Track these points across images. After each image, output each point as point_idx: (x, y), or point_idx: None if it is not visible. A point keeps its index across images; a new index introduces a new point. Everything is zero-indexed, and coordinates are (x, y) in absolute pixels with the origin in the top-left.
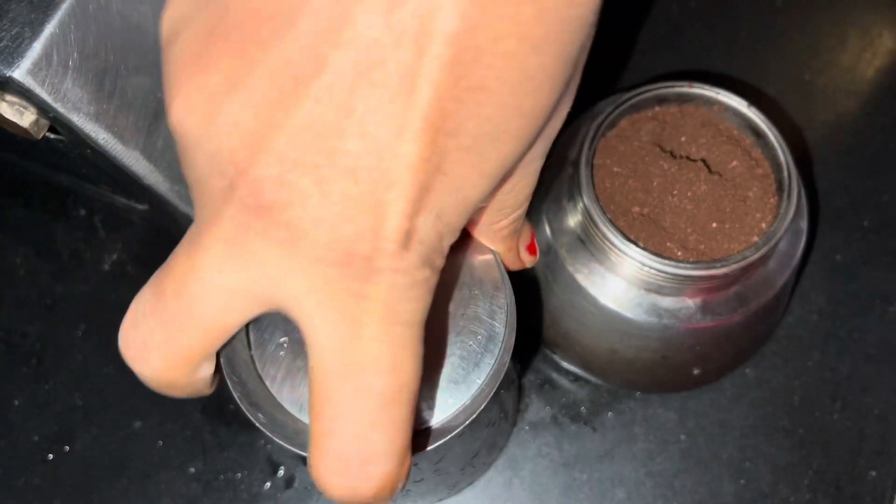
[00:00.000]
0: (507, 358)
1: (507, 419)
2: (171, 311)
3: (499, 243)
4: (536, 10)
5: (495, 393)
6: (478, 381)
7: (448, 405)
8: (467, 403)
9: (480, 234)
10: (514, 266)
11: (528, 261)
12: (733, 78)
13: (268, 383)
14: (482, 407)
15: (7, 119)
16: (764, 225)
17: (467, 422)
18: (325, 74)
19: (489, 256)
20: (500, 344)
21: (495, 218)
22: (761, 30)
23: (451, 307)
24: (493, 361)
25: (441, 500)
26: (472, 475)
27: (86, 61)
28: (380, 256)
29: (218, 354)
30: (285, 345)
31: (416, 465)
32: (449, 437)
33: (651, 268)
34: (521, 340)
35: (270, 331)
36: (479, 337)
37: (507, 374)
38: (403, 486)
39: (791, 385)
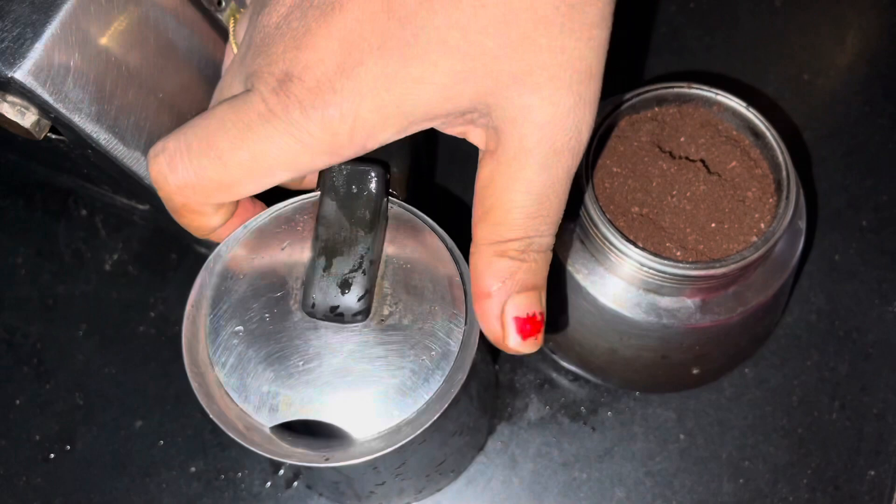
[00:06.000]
0: (462, 377)
1: (477, 430)
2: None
3: (486, 275)
4: None
5: (459, 404)
6: (425, 396)
7: (393, 416)
8: (410, 418)
9: (475, 253)
10: (489, 327)
11: (512, 337)
12: (732, 78)
13: (217, 369)
14: (428, 424)
15: (9, 119)
16: (763, 225)
17: (409, 438)
18: None
19: (454, 272)
20: (451, 362)
21: (496, 230)
22: (760, 30)
23: (408, 320)
24: (442, 379)
25: (407, 503)
26: (439, 482)
27: (87, 62)
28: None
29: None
30: (240, 333)
31: (375, 468)
32: (387, 451)
33: (650, 268)
34: None
35: (227, 318)
36: (433, 353)
37: (482, 380)
38: None
39: (790, 385)
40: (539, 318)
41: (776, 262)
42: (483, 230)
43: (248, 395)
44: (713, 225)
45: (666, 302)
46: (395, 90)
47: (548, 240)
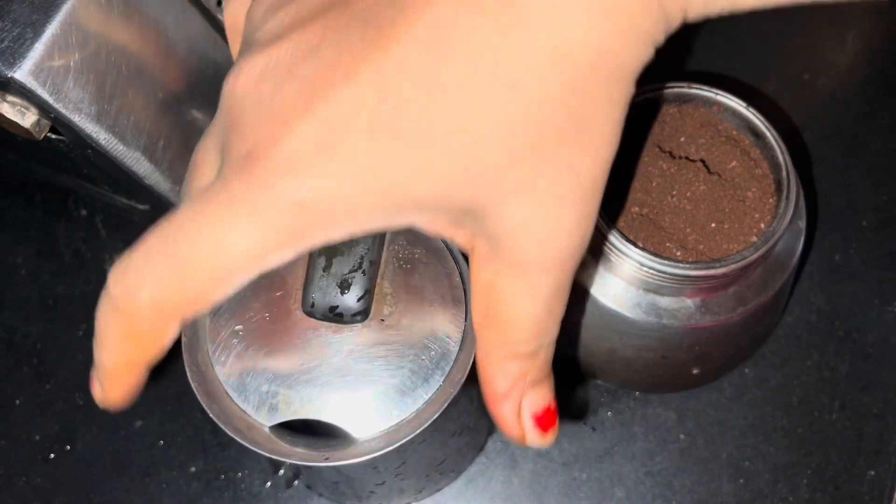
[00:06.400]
0: (461, 377)
1: (477, 430)
2: (183, 254)
3: (499, 379)
4: None
5: (458, 404)
6: (424, 396)
7: (392, 416)
8: (409, 418)
9: (483, 357)
10: (509, 429)
11: (531, 434)
12: (732, 78)
13: (216, 369)
14: (427, 424)
15: (9, 119)
16: (763, 225)
17: (408, 437)
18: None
19: (454, 272)
20: (451, 363)
21: (504, 337)
22: (761, 30)
23: (408, 320)
24: (442, 379)
25: (407, 503)
26: (439, 482)
27: (87, 62)
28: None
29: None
30: (240, 333)
31: (374, 468)
32: (387, 450)
33: (650, 268)
34: None
35: (227, 318)
36: (433, 353)
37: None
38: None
39: (790, 385)
40: (553, 407)
41: (776, 262)
42: (490, 336)
43: (247, 394)
44: (713, 225)
45: (666, 302)
46: (385, 177)
47: (555, 335)
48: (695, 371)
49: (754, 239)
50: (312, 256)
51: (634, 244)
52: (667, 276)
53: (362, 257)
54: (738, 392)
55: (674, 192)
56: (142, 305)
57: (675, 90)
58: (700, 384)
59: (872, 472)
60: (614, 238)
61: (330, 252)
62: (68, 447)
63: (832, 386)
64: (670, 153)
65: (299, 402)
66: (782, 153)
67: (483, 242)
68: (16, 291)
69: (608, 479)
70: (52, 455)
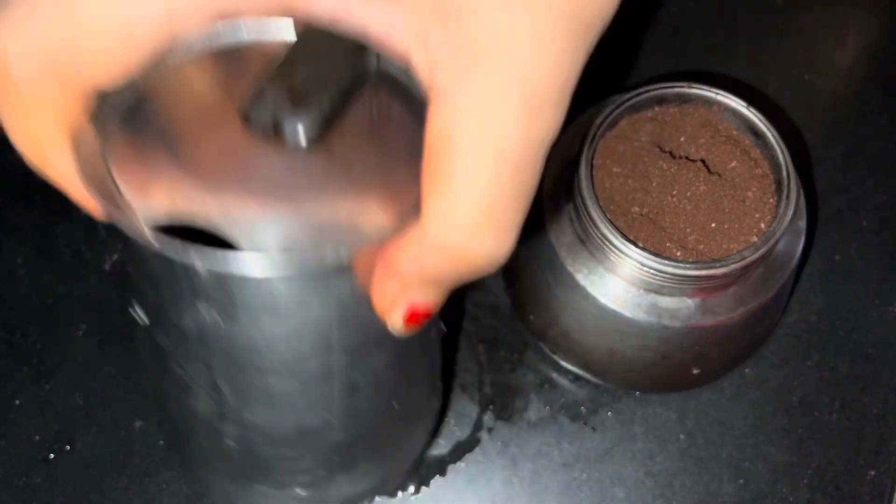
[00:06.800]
0: (397, 232)
1: (419, 418)
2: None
3: (406, 261)
4: None
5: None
6: (351, 242)
7: (299, 250)
8: (321, 258)
9: (417, 243)
10: (377, 304)
11: (393, 320)
12: (733, 78)
13: (108, 141)
14: (336, 263)
15: None
16: (763, 225)
17: (312, 270)
18: None
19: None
20: (391, 217)
21: (444, 206)
22: (761, 30)
23: (361, 164)
24: (374, 232)
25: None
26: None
27: None
28: None
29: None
30: (157, 122)
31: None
32: (280, 276)
33: (650, 268)
34: (520, 339)
35: (146, 103)
36: (375, 200)
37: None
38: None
39: (790, 385)
40: (432, 311)
41: (776, 262)
42: (429, 203)
43: (137, 182)
44: (713, 225)
45: (666, 302)
46: None
47: (503, 244)
48: (695, 371)
49: (754, 239)
50: (277, 64)
51: (634, 244)
52: (667, 276)
53: (331, 80)
54: (738, 392)
55: (674, 192)
56: (15, 65)
57: (675, 90)
58: (700, 384)
59: (872, 472)
60: (614, 238)
61: (296, 63)
62: (68, 447)
63: (832, 386)
64: (670, 153)
65: (196, 207)
66: (782, 153)
67: (444, 72)
68: (15, 291)
69: (608, 479)
70: (52, 455)
